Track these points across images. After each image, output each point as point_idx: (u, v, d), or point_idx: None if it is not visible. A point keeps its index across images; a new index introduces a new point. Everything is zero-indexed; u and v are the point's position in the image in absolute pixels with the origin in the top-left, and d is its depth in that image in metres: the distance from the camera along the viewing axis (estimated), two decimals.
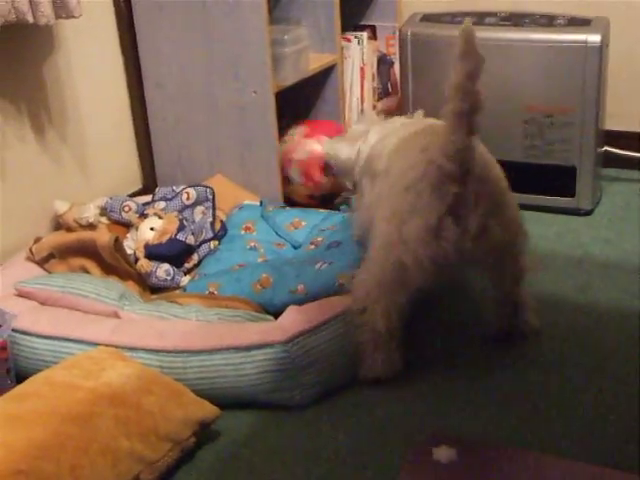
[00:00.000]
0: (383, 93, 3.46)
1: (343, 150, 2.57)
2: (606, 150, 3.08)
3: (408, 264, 1.96)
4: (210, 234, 2.61)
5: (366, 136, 2.46)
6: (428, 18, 3.05)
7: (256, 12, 2.65)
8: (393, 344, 2.08)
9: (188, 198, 2.69)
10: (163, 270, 2.45)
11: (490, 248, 2.01)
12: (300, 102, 3.07)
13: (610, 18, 2.90)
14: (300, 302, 2.16)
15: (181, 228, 2.54)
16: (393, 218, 1.99)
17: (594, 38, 2.76)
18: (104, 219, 2.58)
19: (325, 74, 3.03)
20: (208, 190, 2.70)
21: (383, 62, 3.44)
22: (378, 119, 2.63)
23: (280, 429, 1.98)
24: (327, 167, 2.77)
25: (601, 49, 2.76)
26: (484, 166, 2.00)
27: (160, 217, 2.58)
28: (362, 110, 3.28)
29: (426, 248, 1.95)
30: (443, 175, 1.91)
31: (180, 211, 2.66)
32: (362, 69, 3.32)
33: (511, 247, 2.08)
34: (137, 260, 2.46)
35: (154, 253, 2.47)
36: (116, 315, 2.19)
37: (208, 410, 1.91)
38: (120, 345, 2.03)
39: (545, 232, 2.82)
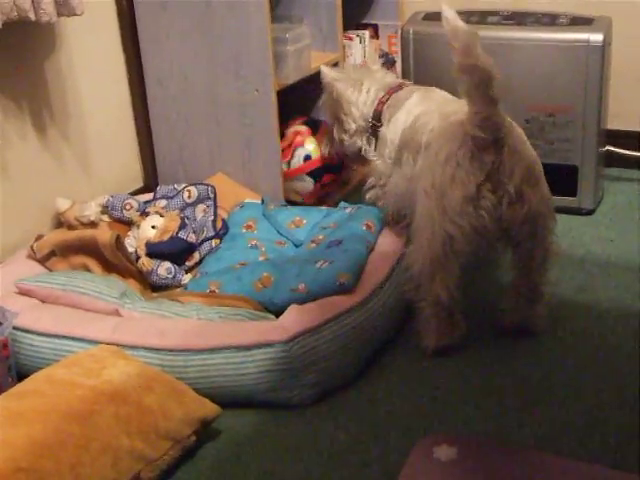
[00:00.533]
0: None
1: (348, 91, 2.62)
2: (608, 150, 3.08)
3: (454, 235, 2.06)
4: (211, 232, 2.61)
5: (402, 103, 2.49)
6: (430, 17, 3.04)
7: (258, 10, 2.65)
8: (455, 312, 2.18)
9: (189, 196, 2.69)
10: (164, 268, 2.45)
11: (526, 217, 2.08)
12: (302, 101, 3.07)
13: (612, 17, 2.90)
14: (301, 301, 2.16)
15: (182, 226, 2.55)
16: (433, 190, 2.08)
17: (596, 37, 2.76)
18: (105, 217, 2.58)
19: None
20: (209, 188, 2.70)
21: (385, 61, 3.43)
22: (378, 71, 2.69)
23: (281, 428, 1.98)
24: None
25: (603, 48, 2.75)
26: (519, 141, 2.09)
27: (161, 215, 2.58)
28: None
29: (467, 218, 2.04)
30: (478, 144, 2.00)
31: (181, 209, 2.66)
32: None
33: (543, 221, 2.14)
34: (138, 258, 2.46)
35: (155, 251, 2.47)
36: (117, 313, 2.19)
37: (209, 409, 1.91)
38: (121, 343, 2.03)
39: None
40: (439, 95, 2.47)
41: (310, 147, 2.92)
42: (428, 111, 2.36)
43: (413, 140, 2.33)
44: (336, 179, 2.97)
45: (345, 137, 2.65)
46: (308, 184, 2.91)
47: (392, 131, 2.47)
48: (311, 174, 2.90)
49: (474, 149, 2.02)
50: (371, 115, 2.57)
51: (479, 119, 1.98)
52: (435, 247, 2.10)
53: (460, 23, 1.92)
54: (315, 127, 2.95)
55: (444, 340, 2.19)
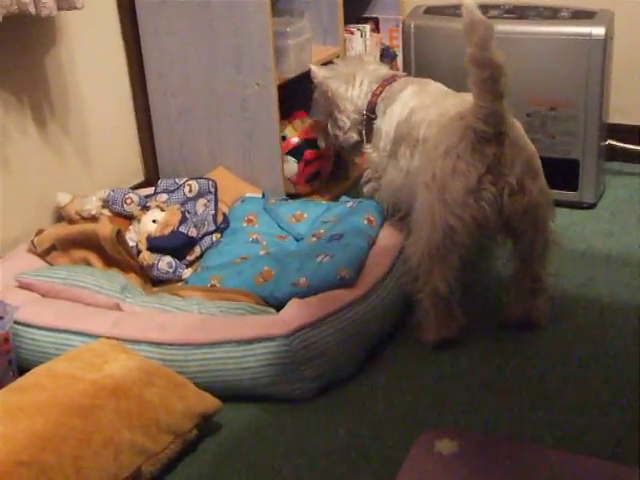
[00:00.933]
0: None
1: (342, 88, 2.63)
2: (609, 143, 3.08)
3: (455, 226, 2.06)
4: (212, 227, 2.60)
5: (396, 95, 2.49)
6: (431, 10, 3.03)
7: (259, 4, 2.64)
8: (454, 305, 2.18)
9: (190, 190, 2.69)
10: (165, 262, 2.45)
11: (526, 207, 2.09)
12: (303, 95, 3.06)
13: (615, 11, 2.89)
14: (302, 295, 2.16)
15: (183, 220, 2.54)
16: (434, 183, 2.08)
17: (598, 31, 2.75)
18: (106, 211, 2.58)
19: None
20: (210, 182, 2.70)
21: (386, 55, 3.43)
22: (371, 63, 2.72)
23: (281, 422, 1.98)
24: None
25: (605, 42, 2.75)
26: (519, 135, 2.10)
27: (162, 209, 2.58)
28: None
29: (468, 209, 2.05)
30: (480, 137, 2.01)
31: (182, 203, 2.66)
32: None
33: (543, 212, 2.15)
34: (139, 252, 2.46)
35: (156, 245, 2.47)
36: (118, 307, 2.19)
37: (209, 403, 1.91)
38: (122, 337, 2.03)
39: None
40: (434, 87, 2.47)
41: (284, 130, 2.93)
42: (424, 104, 2.36)
43: (409, 134, 2.33)
44: (320, 155, 2.95)
45: (339, 133, 2.67)
46: (292, 165, 2.91)
47: (387, 123, 2.47)
48: (291, 154, 2.91)
49: (475, 141, 2.03)
50: (365, 107, 2.58)
51: (484, 113, 1.99)
52: (435, 239, 2.10)
53: (479, 15, 1.91)
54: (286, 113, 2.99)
55: (443, 333, 2.19)
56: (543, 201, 2.14)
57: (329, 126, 2.70)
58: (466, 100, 2.12)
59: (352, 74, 2.62)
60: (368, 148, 2.57)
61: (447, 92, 2.42)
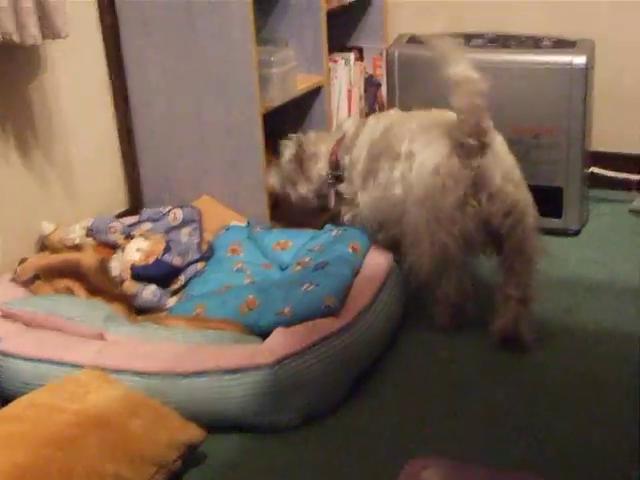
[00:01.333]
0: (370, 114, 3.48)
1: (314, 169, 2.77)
2: (592, 171, 3.10)
3: (447, 242, 2.17)
4: (197, 255, 2.59)
5: (359, 131, 2.60)
6: (415, 39, 3.06)
7: (243, 33, 2.65)
8: (459, 301, 2.29)
9: (175, 219, 2.68)
10: (149, 291, 2.44)
11: (509, 210, 2.18)
12: (287, 123, 3.07)
13: (595, 40, 2.92)
14: (287, 324, 2.15)
15: (167, 249, 2.53)
16: (426, 200, 2.18)
17: (579, 60, 2.78)
18: (90, 240, 2.56)
19: (312, 95, 3.04)
20: (195, 211, 2.69)
21: (370, 84, 3.45)
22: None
23: (266, 451, 1.96)
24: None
25: (586, 71, 2.78)
26: (500, 148, 2.22)
27: (146, 238, 2.57)
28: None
29: (457, 225, 2.16)
30: (466, 151, 2.12)
31: (167, 232, 2.65)
32: (349, 91, 3.33)
33: (528, 219, 2.23)
34: (123, 281, 2.44)
35: (140, 274, 2.46)
36: (102, 337, 2.17)
37: (194, 432, 1.89)
38: (106, 367, 2.02)
39: None
40: (394, 111, 2.61)
41: None
42: (399, 121, 2.45)
43: (389, 147, 2.41)
44: None
45: (295, 196, 2.81)
46: None
47: (357, 152, 2.56)
48: None
49: (462, 156, 2.13)
50: (327, 168, 2.70)
51: (469, 125, 2.10)
52: (436, 254, 2.21)
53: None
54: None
55: (453, 322, 2.35)
56: (526, 207, 2.22)
57: (287, 185, 2.81)
58: (442, 113, 2.26)
59: (317, 154, 2.73)
60: (343, 187, 2.65)
61: (410, 112, 2.51)
